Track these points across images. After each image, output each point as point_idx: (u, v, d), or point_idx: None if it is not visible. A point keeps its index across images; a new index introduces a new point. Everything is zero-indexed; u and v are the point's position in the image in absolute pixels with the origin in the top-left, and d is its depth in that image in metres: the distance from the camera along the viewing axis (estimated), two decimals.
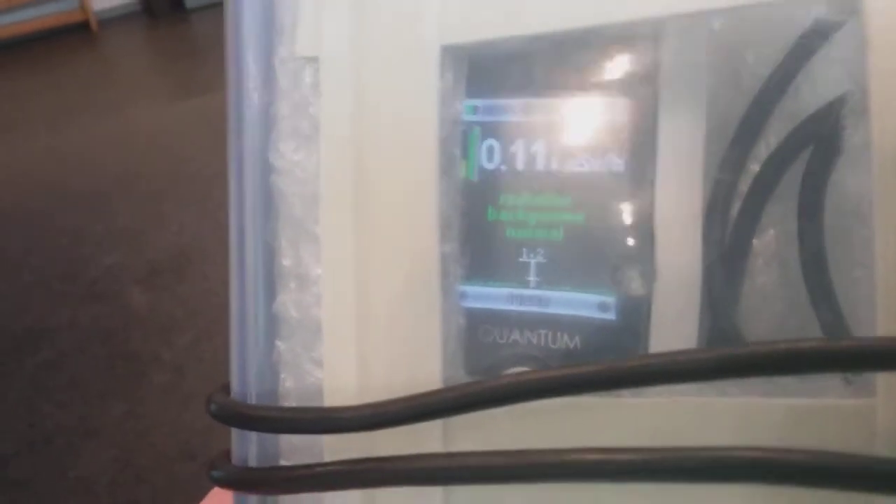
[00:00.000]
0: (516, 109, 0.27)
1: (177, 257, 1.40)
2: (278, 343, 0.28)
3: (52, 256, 1.52)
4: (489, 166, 0.27)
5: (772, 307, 0.25)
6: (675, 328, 0.25)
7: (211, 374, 1.17)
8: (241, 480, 0.27)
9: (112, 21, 2.98)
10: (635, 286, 0.25)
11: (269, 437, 0.27)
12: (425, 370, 0.26)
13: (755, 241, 0.25)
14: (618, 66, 0.26)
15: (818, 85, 0.24)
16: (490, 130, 0.27)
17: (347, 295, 0.27)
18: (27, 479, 1.02)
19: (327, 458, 0.26)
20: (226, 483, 0.27)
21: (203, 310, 1.23)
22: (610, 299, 0.26)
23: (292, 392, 0.28)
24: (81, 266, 1.47)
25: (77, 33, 2.89)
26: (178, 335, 1.24)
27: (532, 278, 0.27)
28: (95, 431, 1.09)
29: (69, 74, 2.55)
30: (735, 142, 0.25)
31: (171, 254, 1.43)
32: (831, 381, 0.23)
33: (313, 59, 0.28)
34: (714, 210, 0.25)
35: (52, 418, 1.14)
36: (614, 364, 0.22)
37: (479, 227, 0.27)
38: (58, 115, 2.20)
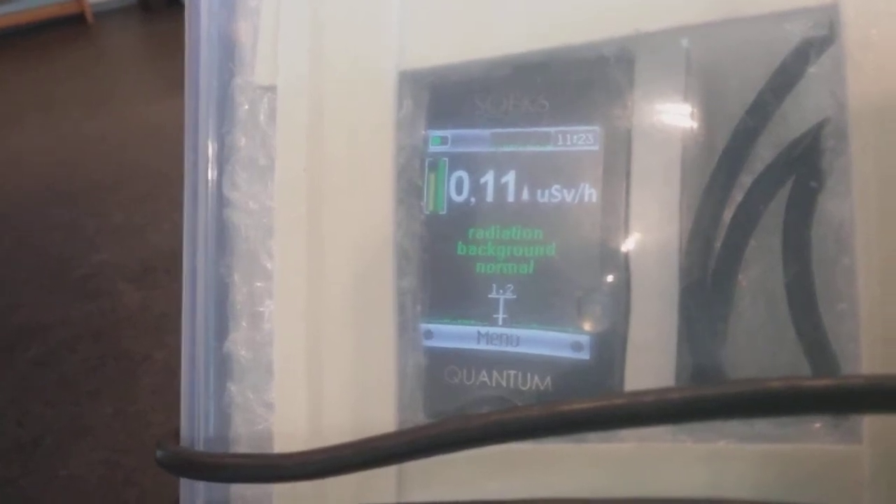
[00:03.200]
0: (485, 140, 0.26)
1: (170, 256, 1.39)
2: (230, 385, 0.27)
3: (44, 253, 1.51)
4: (458, 199, 0.26)
5: (757, 345, 0.23)
6: (651, 368, 0.24)
7: None
8: None
9: (107, 14, 2.97)
10: (608, 321, 0.24)
11: (217, 485, 0.26)
12: (379, 414, 0.25)
13: (739, 275, 0.24)
14: (588, 90, 0.25)
15: (805, 107, 0.23)
16: (459, 161, 0.26)
17: (299, 333, 0.26)
18: (15, 478, 1.01)
19: None
20: None
21: None
22: (584, 338, 0.24)
23: (243, 438, 0.27)
24: (73, 263, 1.46)
25: (72, 25, 2.87)
26: (170, 335, 1.23)
27: (501, 315, 0.25)
28: (85, 431, 1.08)
29: (63, 67, 2.54)
30: (717, 170, 0.24)
31: (165, 252, 1.42)
32: (813, 425, 0.22)
33: (271, 88, 0.27)
34: (694, 242, 0.23)
35: (42, 417, 1.13)
36: (578, 405, 0.20)
37: (447, 263, 0.26)
38: (51, 108, 2.19)
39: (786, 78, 0.23)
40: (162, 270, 1.37)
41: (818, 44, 0.22)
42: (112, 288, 1.37)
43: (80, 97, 2.26)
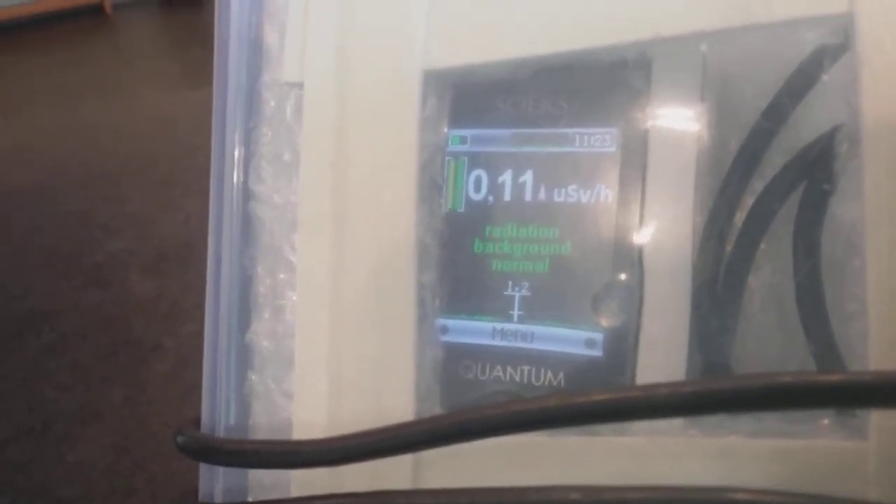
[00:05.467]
0: (504, 140, 0.26)
1: (184, 246, 1.39)
2: (251, 375, 0.28)
3: (58, 238, 1.50)
4: (476, 197, 0.27)
5: (767, 344, 0.24)
6: (663, 366, 0.24)
7: None
8: None
9: (126, 5, 2.97)
10: (621, 319, 0.25)
11: (236, 472, 0.27)
12: (397, 406, 0.25)
13: (750, 277, 0.24)
14: (607, 93, 0.25)
15: (819, 113, 0.23)
16: (478, 161, 0.27)
17: (321, 325, 0.26)
18: (24, 462, 1.01)
19: (294, 495, 0.26)
20: None
21: None
22: (597, 335, 0.25)
23: (263, 426, 0.27)
24: (87, 249, 1.45)
25: (91, 16, 2.88)
26: (182, 324, 1.22)
27: (516, 312, 0.26)
28: (95, 417, 1.08)
29: (82, 57, 2.53)
30: (730, 174, 0.24)
31: (179, 242, 1.41)
32: (822, 422, 0.22)
33: (298, 85, 0.28)
34: (707, 245, 0.24)
35: (52, 402, 1.12)
36: (594, 396, 0.20)
37: (464, 260, 0.27)
38: (68, 97, 2.19)
39: (801, 84, 0.23)
40: (175, 259, 1.37)
41: (833, 51, 0.23)
42: (125, 276, 1.37)
43: (95, 87, 2.25)
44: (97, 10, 2.91)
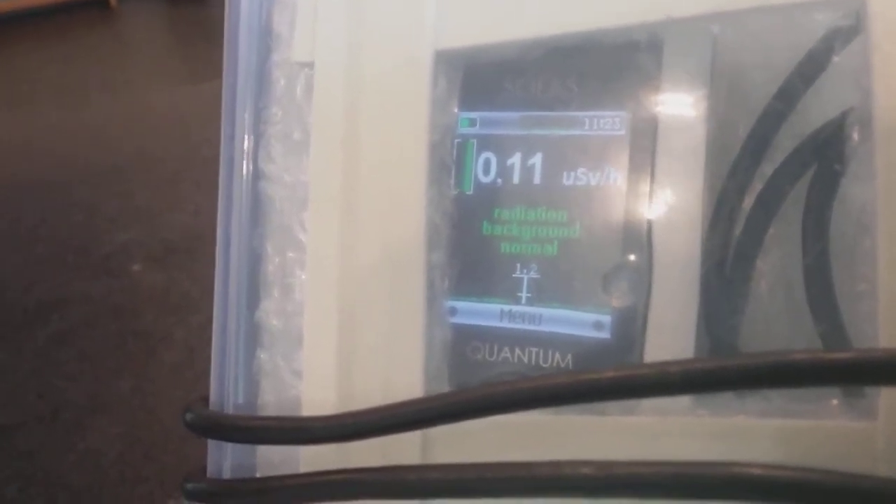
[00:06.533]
0: (513, 122, 0.26)
1: (192, 238, 1.40)
2: (259, 353, 0.28)
3: (67, 230, 1.52)
4: (485, 179, 0.27)
5: (775, 327, 0.24)
6: (671, 348, 0.24)
7: None
8: (212, 493, 0.26)
9: None
10: (629, 302, 0.25)
11: (244, 449, 0.27)
12: (406, 384, 0.25)
13: (758, 260, 0.24)
14: (617, 76, 0.25)
15: (830, 96, 0.23)
16: (487, 143, 0.27)
17: (330, 303, 0.26)
18: (34, 450, 1.02)
19: (303, 472, 0.26)
20: (196, 496, 0.26)
21: None
22: (605, 318, 0.25)
23: (271, 404, 0.27)
24: (95, 241, 1.47)
25: (96, 9, 2.88)
26: (190, 315, 1.23)
27: (524, 294, 0.26)
28: (104, 406, 1.09)
29: (87, 50, 2.54)
30: (740, 157, 0.24)
31: (187, 234, 1.43)
32: (830, 402, 0.22)
33: (308, 65, 0.28)
34: (716, 228, 0.24)
35: (61, 391, 1.14)
36: (600, 374, 0.20)
37: (472, 242, 0.27)
38: (74, 90, 2.19)
39: (812, 67, 0.23)
40: (184, 251, 1.38)
41: (844, 34, 0.23)
42: (133, 267, 1.38)
43: (101, 82, 2.26)
44: (102, 3, 2.91)
